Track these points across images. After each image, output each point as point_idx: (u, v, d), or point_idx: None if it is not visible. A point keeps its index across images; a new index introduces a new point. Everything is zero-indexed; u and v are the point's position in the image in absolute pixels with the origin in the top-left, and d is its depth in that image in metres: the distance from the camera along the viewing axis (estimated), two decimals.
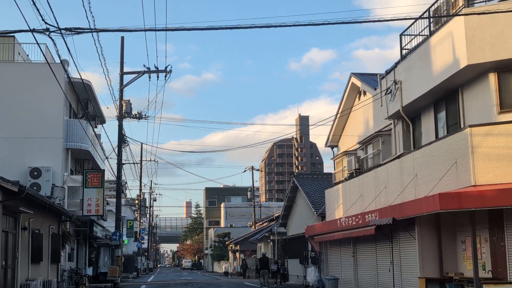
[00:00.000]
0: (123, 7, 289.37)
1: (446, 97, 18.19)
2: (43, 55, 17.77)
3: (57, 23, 12.21)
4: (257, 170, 72.33)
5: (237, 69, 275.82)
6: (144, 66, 30.98)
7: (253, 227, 63.90)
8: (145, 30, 12.91)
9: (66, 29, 12.24)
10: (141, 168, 56.47)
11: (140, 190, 60.09)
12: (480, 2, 16.18)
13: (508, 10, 13.08)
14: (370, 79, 24.92)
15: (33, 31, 12.03)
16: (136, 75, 31.64)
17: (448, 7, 17.34)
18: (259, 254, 46.97)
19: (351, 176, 24.74)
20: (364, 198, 22.46)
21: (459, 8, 16.50)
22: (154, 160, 71.78)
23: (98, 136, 34.72)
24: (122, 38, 32.08)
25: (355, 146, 26.28)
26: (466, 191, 14.63)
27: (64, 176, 27.34)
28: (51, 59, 28.05)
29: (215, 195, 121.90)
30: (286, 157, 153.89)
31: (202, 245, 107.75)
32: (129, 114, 32.18)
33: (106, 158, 33.67)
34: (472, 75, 16.51)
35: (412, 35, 19.81)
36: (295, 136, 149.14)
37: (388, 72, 21.54)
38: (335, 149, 29.80)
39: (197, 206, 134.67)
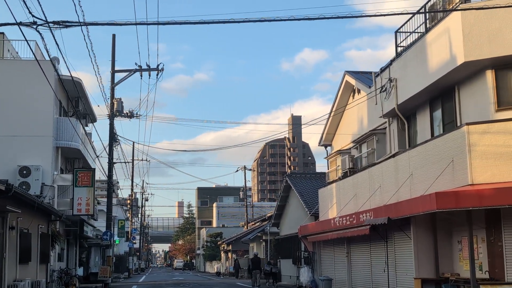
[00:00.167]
0: (115, 7, 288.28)
1: (442, 95, 17.93)
2: (32, 52, 17.36)
3: (45, 16, 11.85)
4: (250, 169, 72.05)
5: (230, 69, 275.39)
6: (136, 64, 30.62)
7: (245, 227, 63.66)
8: (136, 24, 12.57)
9: (54, 22, 11.88)
10: (132, 167, 56.10)
11: (132, 189, 59.71)
12: None
13: (507, 5, 12.81)
14: (365, 77, 24.66)
15: (19, 24, 11.66)
16: (127, 73, 31.25)
17: (444, 3, 17.08)
18: (251, 254, 46.69)
19: (345, 176, 24.47)
20: (358, 197, 22.20)
21: (455, 4, 16.24)
22: (146, 160, 71.59)
23: (89, 135, 34.35)
24: (114, 35, 31.82)
25: (349, 145, 26.02)
26: (463, 190, 14.37)
27: (54, 175, 26.95)
28: (41, 57, 27.64)
29: (207, 195, 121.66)
30: (279, 157, 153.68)
31: (194, 245, 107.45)
32: (120, 112, 31.75)
33: (97, 157, 33.29)
34: (469, 72, 16.25)
35: (407, 32, 19.56)
36: (287, 136, 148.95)
37: (383, 70, 21.28)
38: (328, 148, 29.52)
39: (189, 206, 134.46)
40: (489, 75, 15.81)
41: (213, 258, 75.41)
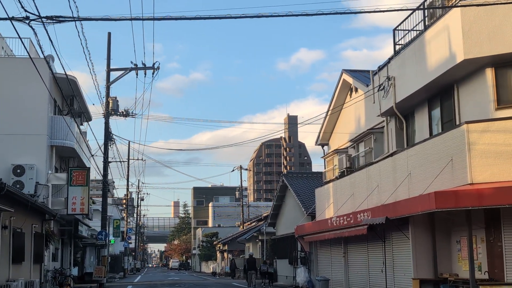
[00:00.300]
0: (109, 5, 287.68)
1: (441, 94, 17.74)
2: (26, 49, 17.15)
3: (38, 11, 11.61)
4: (246, 169, 71.84)
5: (226, 69, 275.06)
6: (132, 63, 30.43)
7: (241, 227, 63.46)
8: (131, 20, 12.34)
9: (47, 17, 11.64)
10: (128, 166, 55.76)
11: (128, 189, 59.36)
12: None
13: (508, 1, 12.62)
14: (362, 75, 24.47)
15: (11, 19, 11.42)
16: (123, 71, 31.03)
17: (443, 0, 16.89)
18: (247, 254, 46.50)
19: (342, 175, 24.27)
20: (355, 197, 22.00)
21: (455, 1, 16.05)
22: (142, 159, 71.29)
23: (84, 134, 34.08)
24: (109, 33, 31.61)
25: (346, 144, 25.82)
26: (463, 189, 14.18)
27: (48, 173, 26.68)
28: (35, 55, 27.39)
29: (203, 195, 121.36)
30: (275, 157, 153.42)
31: (189, 245, 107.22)
32: (116, 111, 31.50)
33: (92, 156, 33.02)
34: (468, 70, 16.05)
35: (405, 30, 19.36)
36: (283, 136, 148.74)
37: (381, 68, 21.08)
38: (325, 147, 29.31)
39: (185, 205, 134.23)
40: (489, 73, 15.61)
41: (209, 258, 75.22)
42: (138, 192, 73.87)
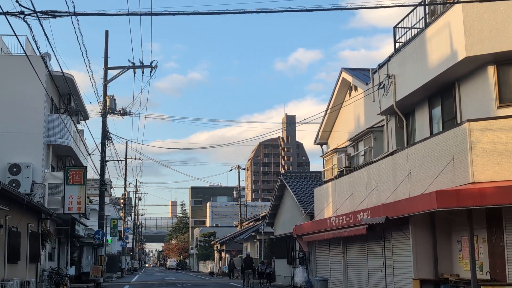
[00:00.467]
0: (107, 4, 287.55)
1: (442, 92, 17.55)
2: (21, 46, 16.94)
3: (33, 6, 11.39)
4: (243, 169, 71.65)
5: (224, 69, 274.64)
6: (129, 61, 30.23)
7: (239, 226, 63.30)
8: (128, 15, 12.13)
9: (42, 12, 11.42)
10: (125, 166, 55.54)
11: (125, 188, 59.17)
12: None
13: None
14: (362, 74, 24.27)
15: (6, 13, 11.20)
16: (120, 70, 30.85)
17: None
18: (245, 254, 46.33)
19: (341, 174, 24.07)
20: (354, 196, 21.80)
21: None
22: (139, 158, 71.05)
23: (80, 133, 33.82)
24: (107, 32, 31.46)
25: (345, 143, 25.63)
26: (464, 188, 13.99)
27: (45, 172, 26.43)
28: (32, 52, 27.12)
29: (200, 194, 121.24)
30: (273, 157, 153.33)
31: (187, 245, 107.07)
32: (113, 110, 31.29)
33: (89, 154, 32.80)
34: (470, 68, 15.86)
35: (406, 27, 19.16)
36: (281, 136, 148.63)
37: (381, 66, 20.88)
38: (324, 146, 29.11)
39: (183, 205, 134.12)
40: (491, 70, 15.43)
41: (206, 258, 75.03)
42: (136, 192, 73.68)
